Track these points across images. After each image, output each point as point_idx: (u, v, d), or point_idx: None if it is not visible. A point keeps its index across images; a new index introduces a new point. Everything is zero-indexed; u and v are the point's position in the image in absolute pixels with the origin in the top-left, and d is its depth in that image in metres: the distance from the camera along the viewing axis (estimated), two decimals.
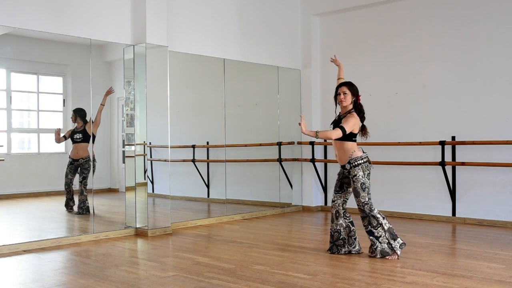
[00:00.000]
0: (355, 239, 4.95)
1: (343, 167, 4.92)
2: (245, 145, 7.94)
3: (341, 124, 4.76)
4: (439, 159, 6.84)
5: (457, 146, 6.76)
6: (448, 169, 6.83)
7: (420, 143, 7.00)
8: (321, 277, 4.09)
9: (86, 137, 6.52)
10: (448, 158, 6.79)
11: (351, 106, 4.90)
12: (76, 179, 6.57)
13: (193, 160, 7.91)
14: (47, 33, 5.57)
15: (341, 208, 4.97)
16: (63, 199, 6.72)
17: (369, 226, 4.79)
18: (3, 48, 5.93)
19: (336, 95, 4.96)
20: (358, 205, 4.82)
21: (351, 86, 4.93)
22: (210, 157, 7.91)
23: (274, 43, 7.95)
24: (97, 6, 5.90)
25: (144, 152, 6.20)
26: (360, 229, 5.05)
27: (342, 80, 5.11)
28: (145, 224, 6.08)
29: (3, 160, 6.04)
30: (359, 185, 4.79)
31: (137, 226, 6.12)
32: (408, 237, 5.75)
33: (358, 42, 7.85)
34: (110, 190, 7.32)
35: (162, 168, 6.87)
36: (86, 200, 6.56)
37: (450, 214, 6.86)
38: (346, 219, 4.96)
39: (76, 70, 6.77)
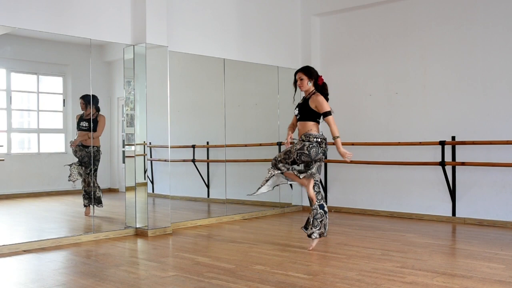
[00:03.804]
0: (321, 221, 5.06)
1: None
2: (245, 145, 7.94)
3: (324, 111, 4.97)
4: (439, 159, 6.84)
5: (457, 146, 6.75)
6: (448, 169, 6.83)
7: (420, 143, 7.00)
8: (321, 277, 4.09)
9: (94, 127, 6.47)
10: (448, 158, 6.79)
11: (313, 88, 5.14)
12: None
13: (193, 160, 7.91)
14: (47, 33, 5.57)
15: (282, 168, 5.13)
16: (63, 199, 6.72)
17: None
18: (3, 48, 5.92)
19: (295, 81, 5.24)
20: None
21: (306, 70, 5.19)
22: (210, 157, 7.91)
23: (274, 43, 7.95)
24: (97, 6, 5.90)
25: (144, 152, 6.20)
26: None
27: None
28: (145, 224, 6.08)
29: (3, 160, 6.03)
30: (288, 149, 5.08)
31: (137, 226, 6.12)
32: (408, 237, 5.76)
33: (358, 42, 7.85)
34: (110, 190, 7.31)
35: (162, 168, 6.87)
36: (99, 191, 6.48)
37: (450, 214, 6.86)
38: (317, 201, 5.08)
39: (76, 70, 6.76)
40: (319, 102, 4.98)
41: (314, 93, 5.08)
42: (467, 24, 6.80)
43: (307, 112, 5.05)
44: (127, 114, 6.37)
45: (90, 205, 6.38)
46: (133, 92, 6.21)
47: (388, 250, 5.05)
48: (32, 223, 6.37)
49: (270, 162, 5.20)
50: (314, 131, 5.01)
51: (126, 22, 6.15)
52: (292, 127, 5.33)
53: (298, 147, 4.99)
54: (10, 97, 6.40)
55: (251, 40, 7.61)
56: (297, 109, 5.17)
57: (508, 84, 6.47)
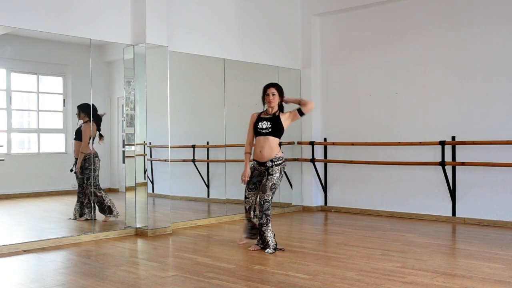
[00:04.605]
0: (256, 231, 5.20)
1: (262, 164, 5.11)
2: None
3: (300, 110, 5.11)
4: (439, 159, 6.84)
5: (457, 146, 6.76)
6: (448, 169, 6.83)
7: (420, 143, 7.00)
8: (321, 277, 4.09)
9: (79, 135, 6.35)
10: (448, 158, 6.79)
11: (277, 107, 5.17)
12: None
13: (193, 160, 7.91)
14: (47, 33, 5.57)
15: (254, 204, 5.23)
16: (63, 199, 6.72)
17: (263, 221, 5.06)
18: (3, 48, 5.92)
19: (264, 95, 5.19)
20: (260, 199, 5.09)
21: (279, 87, 5.20)
22: (210, 157, 7.91)
23: (274, 43, 7.95)
24: (97, 6, 5.90)
25: (144, 152, 6.20)
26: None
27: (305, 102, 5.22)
28: (145, 224, 6.09)
29: (3, 160, 6.03)
30: (270, 185, 5.04)
31: (137, 226, 6.12)
32: (408, 237, 5.76)
33: (358, 42, 7.85)
34: (110, 190, 7.30)
35: (162, 168, 6.87)
36: (104, 201, 6.34)
37: (450, 214, 6.86)
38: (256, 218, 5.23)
39: (76, 70, 6.76)
40: (289, 121, 5.13)
41: (281, 111, 5.17)
42: (467, 24, 6.80)
43: (278, 129, 5.09)
44: (127, 114, 6.37)
45: (84, 215, 6.32)
46: (133, 92, 6.21)
47: (388, 250, 5.05)
48: (32, 223, 6.37)
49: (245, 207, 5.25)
50: (279, 153, 5.10)
51: (126, 22, 6.15)
52: (250, 153, 5.30)
53: (278, 174, 5.05)
54: (10, 97, 6.40)
55: (251, 40, 7.61)
56: (266, 123, 5.09)
57: (508, 84, 6.47)
